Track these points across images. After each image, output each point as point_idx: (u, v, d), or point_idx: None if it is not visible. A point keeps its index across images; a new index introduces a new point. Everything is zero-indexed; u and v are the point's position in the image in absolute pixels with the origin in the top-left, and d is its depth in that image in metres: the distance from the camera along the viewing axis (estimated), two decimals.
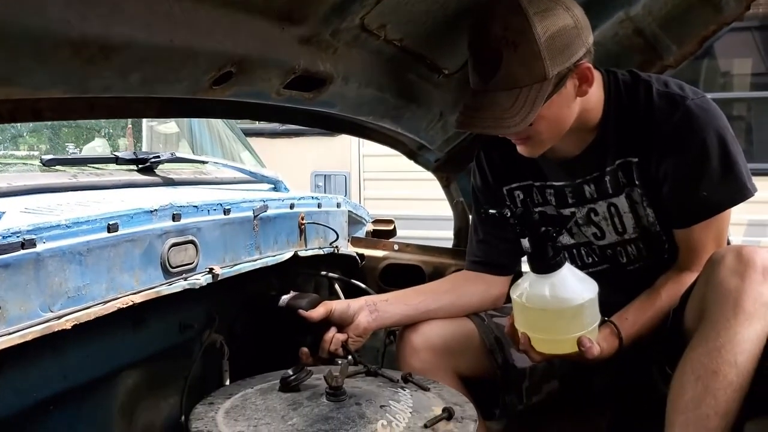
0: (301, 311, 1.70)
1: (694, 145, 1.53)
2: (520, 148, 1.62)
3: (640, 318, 1.58)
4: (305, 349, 1.67)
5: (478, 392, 1.69)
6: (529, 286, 1.45)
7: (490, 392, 1.75)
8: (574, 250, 1.78)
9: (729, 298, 1.36)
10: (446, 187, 2.49)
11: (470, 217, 2.01)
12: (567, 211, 1.73)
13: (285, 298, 1.81)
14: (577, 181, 1.69)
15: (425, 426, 1.22)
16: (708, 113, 1.54)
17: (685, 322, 1.52)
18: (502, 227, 1.73)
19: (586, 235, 1.73)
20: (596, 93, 1.60)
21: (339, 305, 1.71)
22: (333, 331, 1.69)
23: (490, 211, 1.50)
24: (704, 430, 1.33)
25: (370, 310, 1.72)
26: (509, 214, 1.46)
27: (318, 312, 1.69)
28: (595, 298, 1.44)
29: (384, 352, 2.14)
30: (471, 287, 1.84)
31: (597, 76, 1.59)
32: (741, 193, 1.56)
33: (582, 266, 1.76)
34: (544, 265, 1.42)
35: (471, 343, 1.74)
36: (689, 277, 1.54)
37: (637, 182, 1.62)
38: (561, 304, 1.42)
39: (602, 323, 1.52)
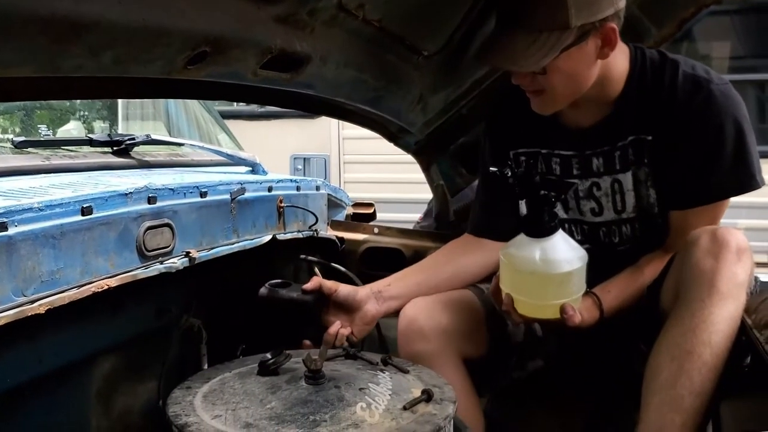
0: (295, 297, 1.67)
1: (711, 129, 1.53)
2: (533, 103, 1.61)
3: (623, 292, 1.59)
4: (308, 342, 1.65)
5: (473, 371, 1.69)
6: (520, 249, 1.44)
7: (481, 369, 1.74)
8: (569, 226, 1.76)
9: (704, 279, 1.37)
10: (426, 170, 2.48)
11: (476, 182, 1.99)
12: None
13: (265, 288, 1.80)
14: (586, 152, 1.68)
15: (404, 408, 1.22)
16: (730, 100, 1.54)
17: (661, 302, 1.53)
18: (505, 191, 1.69)
19: (583, 210, 1.72)
20: (621, 65, 1.60)
21: (344, 288, 1.67)
22: (338, 325, 1.65)
23: (491, 168, 1.50)
24: (679, 410, 1.34)
25: (376, 297, 1.70)
26: (510, 173, 1.45)
27: (312, 284, 1.64)
28: (583, 267, 1.44)
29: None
30: (470, 257, 1.82)
31: (624, 50, 1.59)
32: (749, 183, 1.56)
33: None
34: (539, 229, 1.41)
35: (474, 320, 1.71)
36: None
37: (646, 160, 1.61)
38: (550, 269, 1.41)
39: (584, 294, 1.52)
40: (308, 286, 1.64)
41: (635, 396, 1.43)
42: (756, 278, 1.50)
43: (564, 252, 1.42)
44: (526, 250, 1.42)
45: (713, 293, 1.36)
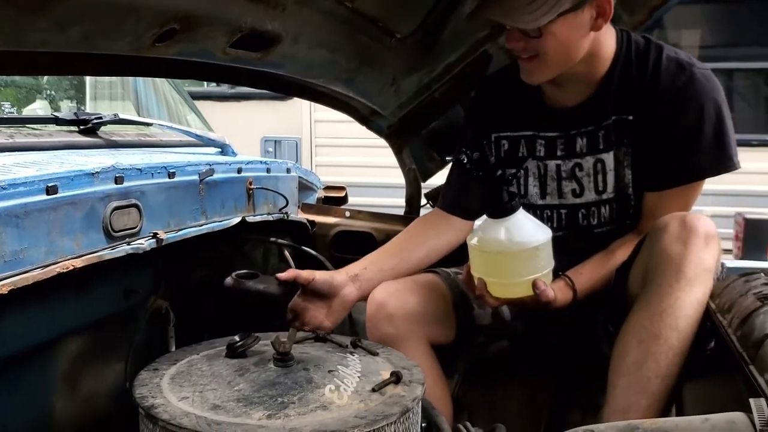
0: (262, 289, 1.66)
1: (692, 110, 1.56)
2: (523, 70, 1.62)
3: (595, 274, 1.61)
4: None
5: (441, 354, 1.71)
6: (485, 232, 1.47)
7: (448, 351, 1.76)
8: (547, 212, 1.76)
9: (672, 264, 1.39)
10: (398, 154, 2.48)
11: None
12: (552, 164, 1.72)
13: (231, 279, 1.79)
14: (571, 132, 1.69)
15: (373, 390, 1.22)
16: (711, 83, 1.58)
17: (629, 286, 1.55)
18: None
19: (563, 192, 1.73)
20: (609, 45, 1.62)
21: (321, 276, 1.66)
22: (312, 309, 1.66)
23: (447, 157, 1.51)
24: (645, 393, 1.36)
25: (353, 281, 1.69)
26: (466, 159, 1.46)
27: (287, 275, 1.64)
28: (549, 242, 1.47)
29: None
30: (441, 237, 1.83)
31: (612, 31, 1.62)
32: (725, 164, 1.59)
33: None
34: (500, 209, 1.44)
35: (442, 304, 1.73)
36: None
37: (625, 140, 1.63)
38: (516, 246, 1.44)
39: (557, 277, 1.55)
40: (283, 276, 1.63)
41: (602, 377, 1.45)
42: (722, 264, 1.52)
43: (528, 228, 1.45)
44: (492, 231, 1.45)
45: (681, 278, 1.37)
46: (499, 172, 1.44)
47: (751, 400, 0.95)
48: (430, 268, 1.82)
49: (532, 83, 1.65)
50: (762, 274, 1.39)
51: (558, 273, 1.57)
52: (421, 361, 1.55)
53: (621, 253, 1.62)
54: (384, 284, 1.70)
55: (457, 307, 1.74)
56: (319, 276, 1.65)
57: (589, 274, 1.61)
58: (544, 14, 1.46)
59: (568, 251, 1.65)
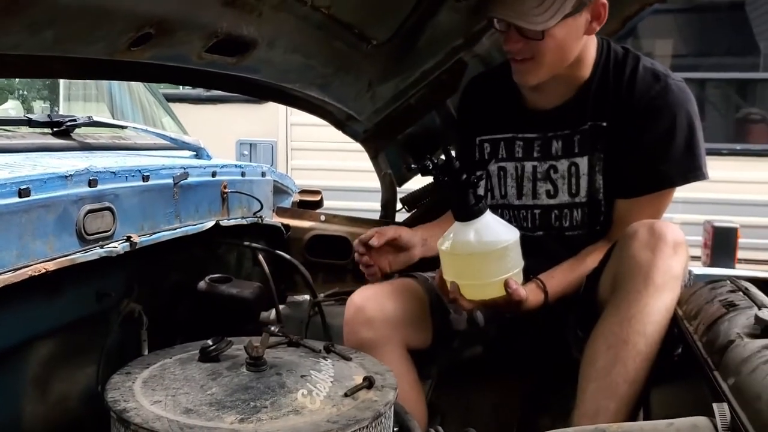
0: (235, 293, 1.67)
1: (664, 119, 1.61)
2: (518, 72, 1.66)
3: (566, 279, 1.64)
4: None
5: (416, 358, 1.72)
6: (456, 235, 1.49)
7: (424, 356, 1.77)
8: (522, 212, 1.79)
9: (641, 271, 1.41)
10: (374, 158, 2.48)
11: None
12: (529, 165, 1.76)
13: (204, 283, 1.80)
14: (548, 134, 1.73)
15: (346, 395, 1.23)
16: (685, 94, 1.63)
17: (599, 292, 1.57)
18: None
19: (538, 192, 1.76)
20: (592, 51, 1.67)
21: (406, 233, 1.76)
22: (382, 254, 1.72)
23: (412, 165, 1.54)
24: (614, 397, 1.38)
25: (422, 244, 1.78)
26: (431, 165, 1.48)
27: (388, 235, 1.71)
28: (517, 241, 1.50)
29: (308, 323, 2.13)
30: None
31: (593, 38, 1.66)
32: (695, 173, 1.63)
33: (521, 229, 1.79)
34: (468, 212, 1.47)
35: (420, 309, 1.74)
36: None
37: (599, 146, 1.67)
38: (486, 247, 1.47)
39: (529, 280, 1.58)
40: (374, 241, 1.68)
41: (572, 382, 1.47)
42: (690, 271, 1.55)
43: (497, 229, 1.48)
44: (461, 234, 1.48)
45: (649, 285, 1.40)
46: (464, 176, 1.46)
47: (715, 405, 0.98)
48: (407, 272, 1.83)
49: (526, 84, 1.69)
50: (728, 282, 1.41)
51: (530, 276, 1.59)
52: (398, 366, 1.56)
53: (591, 259, 1.64)
54: (362, 288, 1.72)
55: (433, 312, 1.75)
56: (404, 233, 1.75)
57: (560, 277, 1.64)
58: (552, 17, 1.51)
59: (541, 252, 1.69)
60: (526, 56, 1.61)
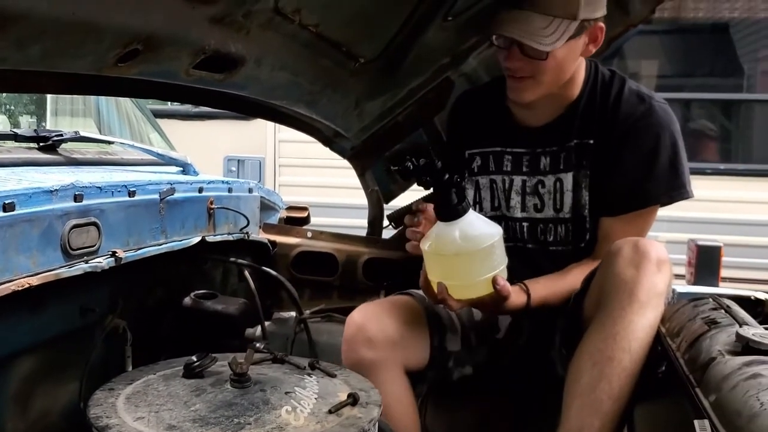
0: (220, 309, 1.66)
1: (649, 138, 1.65)
2: (515, 89, 1.69)
3: (550, 287, 1.66)
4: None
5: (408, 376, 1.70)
6: (440, 235, 1.48)
7: (417, 374, 1.75)
8: (510, 223, 1.81)
9: (625, 288, 1.42)
10: (361, 175, 2.49)
11: None
12: (519, 179, 1.79)
13: (189, 299, 1.79)
14: (537, 150, 1.76)
15: (330, 411, 1.23)
16: (668, 115, 1.68)
17: (584, 309, 1.58)
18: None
19: (527, 206, 1.78)
20: (581, 72, 1.72)
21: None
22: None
23: (392, 167, 1.54)
24: (598, 414, 1.39)
25: None
26: (412, 167, 1.48)
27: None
28: (501, 239, 1.51)
29: (294, 340, 2.13)
30: None
31: (583, 59, 1.70)
32: (679, 191, 1.66)
33: (510, 239, 1.81)
34: (451, 212, 1.46)
35: (418, 329, 1.72)
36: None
37: (585, 163, 1.70)
38: (473, 246, 1.47)
39: (512, 284, 1.58)
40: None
41: (557, 398, 1.47)
42: (674, 289, 1.56)
43: (481, 227, 1.48)
44: (446, 234, 1.47)
45: (634, 302, 1.41)
46: (447, 175, 1.46)
47: (696, 422, 0.98)
48: (404, 290, 1.82)
49: (522, 101, 1.71)
50: (710, 300, 1.43)
51: (514, 281, 1.60)
52: (397, 388, 1.56)
53: (575, 274, 1.66)
54: (363, 306, 1.70)
55: (431, 332, 1.74)
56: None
57: (543, 283, 1.66)
58: (558, 39, 1.55)
59: (529, 265, 1.72)
60: (526, 74, 1.64)
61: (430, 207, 1.65)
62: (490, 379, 1.87)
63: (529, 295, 1.61)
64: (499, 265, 1.51)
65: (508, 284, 1.51)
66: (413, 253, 1.63)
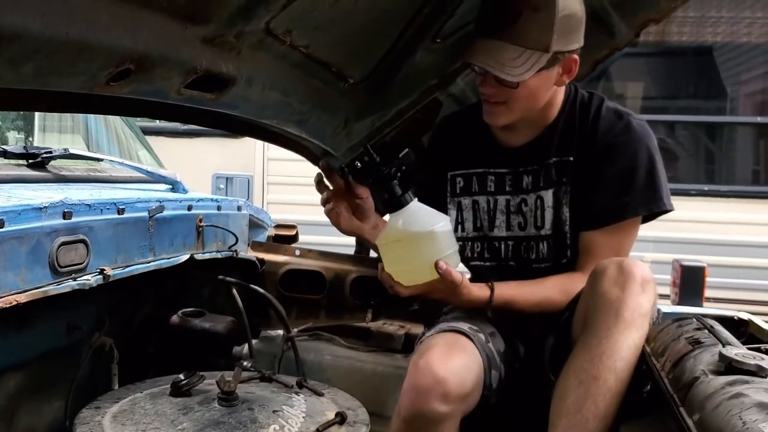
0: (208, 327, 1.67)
1: (626, 153, 1.69)
2: (489, 113, 1.72)
3: (518, 289, 1.70)
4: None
5: None
6: (387, 226, 1.58)
7: None
8: (495, 243, 1.84)
9: (610, 308, 1.44)
10: None
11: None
12: (503, 198, 1.82)
13: (177, 317, 1.79)
14: (519, 169, 1.80)
15: (318, 430, 1.23)
16: (645, 131, 1.72)
17: (572, 332, 1.59)
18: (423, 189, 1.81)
19: (511, 225, 1.82)
20: (560, 95, 1.76)
21: (371, 208, 1.82)
22: (343, 208, 1.81)
23: (342, 166, 1.60)
24: None
25: (375, 226, 1.82)
26: (360, 165, 1.58)
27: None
28: (447, 226, 1.57)
29: (281, 358, 2.13)
30: None
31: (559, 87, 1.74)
32: (657, 204, 1.70)
33: (492, 258, 1.85)
34: (394, 203, 1.55)
35: (479, 378, 1.61)
36: (578, 277, 1.65)
37: (565, 180, 1.73)
38: (412, 230, 1.53)
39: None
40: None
41: (543, 417, 1.48)
42: (658, 309, 1.58)
43: (423, 215, 1.56)
44: (392, 224, 1.56)
45: (619, 322, 1.42)
46: (385, 169, 1.54)
47: None
48: (456, 327, 1.67)
49: (495, 124, 1.77)
50: (694, 320, 1.44)
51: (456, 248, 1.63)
52: None
53: (551, 282, 1.71)
54: (442, 356, 1.53)
55: (485, 373, 1.64)
56: (369, 205, 1.81)
57: (511, 284, 1.70)
58: (528, 70, 1.58)
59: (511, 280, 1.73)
60: (499, 100, 1.68)
61: (339, 182, 1.76)
62: (500, 411, 1.79)
63: (492, 291, 1.65)
64: (443, 251, 1.55)
65: (454, 271, 1.54)
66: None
